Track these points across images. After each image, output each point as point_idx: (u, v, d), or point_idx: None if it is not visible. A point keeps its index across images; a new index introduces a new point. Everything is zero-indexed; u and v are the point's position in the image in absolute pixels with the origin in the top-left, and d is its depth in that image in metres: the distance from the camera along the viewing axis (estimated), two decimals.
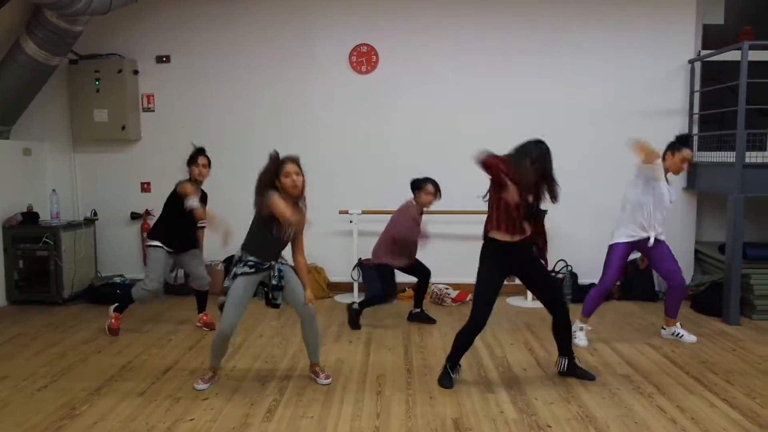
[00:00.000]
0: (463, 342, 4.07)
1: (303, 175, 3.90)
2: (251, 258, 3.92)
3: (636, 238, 4.84)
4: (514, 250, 3.94)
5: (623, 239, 4.85)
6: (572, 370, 4.18)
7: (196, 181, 5.06)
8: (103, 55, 6.73)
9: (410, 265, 5.47)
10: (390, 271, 5.37)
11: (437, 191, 5.31)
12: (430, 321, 5.58)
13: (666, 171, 4.89)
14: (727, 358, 4.62)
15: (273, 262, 3.97)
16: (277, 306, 4.04)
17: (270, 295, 4.03)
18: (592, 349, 4.81)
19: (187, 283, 5.75)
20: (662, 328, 5.14)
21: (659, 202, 4.79)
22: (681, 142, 4.92)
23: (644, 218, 4.80)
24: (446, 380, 4.08)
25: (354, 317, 5.43)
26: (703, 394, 3.91)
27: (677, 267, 4.91)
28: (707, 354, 4.70)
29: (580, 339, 4.92)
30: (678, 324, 5.05)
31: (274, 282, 3.97)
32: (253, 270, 3.92)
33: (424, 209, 5.40)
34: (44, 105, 6.84)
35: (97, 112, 6.70)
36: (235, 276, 3.92)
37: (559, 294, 4.17)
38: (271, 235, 3.88)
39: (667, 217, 4.91)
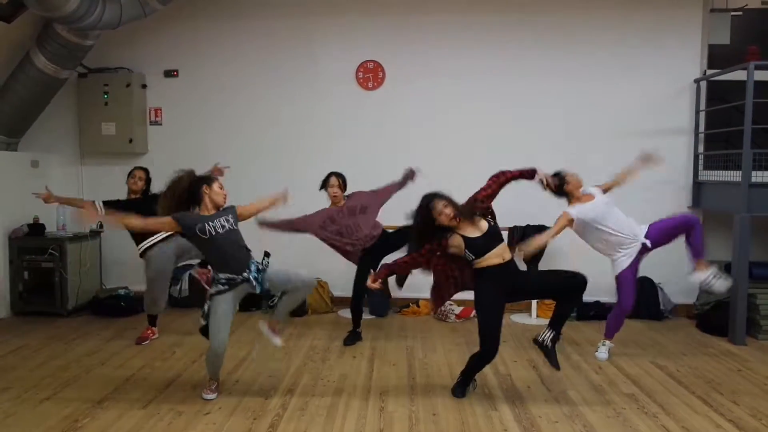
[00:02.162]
0: (474, 365, 4.09)
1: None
2: (222, 275, 3.98)
3: (633, 255, 4.82)
4: (509, 270, 3.96)
5: (624, 266, 4.83)
6: (546, 348, 4.08)
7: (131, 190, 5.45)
8: (112, 69, 6.80)
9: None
10: None
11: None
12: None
13: (574, 195, 4.82)
14: (733, 378, 4.58)
15: (245, 273, 3.98)
16: (274, 306, 4.22)
17: (267, 302, 4.10)
18: (597, 367, 4.78)
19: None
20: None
21: (608, 219, 4.76)
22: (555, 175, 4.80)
23: (620, 237, 4.79)
24: (459, 390, 4.13)
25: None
26: (709, 415, 3.88)
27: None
28: (713, 374, 4.66)
29: (601, 353, 4.98)
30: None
31: (257, 291, 4.01)
32: (226, 287, 3.97)
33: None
34: (53, 118, 6.90)
35: (104, 125, 6.75)
36: (211, 297, 3.98)
37: (568, 273, 3.96)
38: (210, 242, 3.94)
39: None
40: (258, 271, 4.03)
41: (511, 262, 3.97)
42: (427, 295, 6.41)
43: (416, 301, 6.55)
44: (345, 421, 3.74)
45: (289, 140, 6.79)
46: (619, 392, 4.25)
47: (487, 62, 6.60)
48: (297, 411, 3.89)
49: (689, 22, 6.43)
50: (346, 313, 6.39)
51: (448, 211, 3.86)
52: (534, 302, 6.26)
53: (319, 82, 6.75)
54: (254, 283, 3.99)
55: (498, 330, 3.94)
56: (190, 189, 4.02)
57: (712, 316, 5.83)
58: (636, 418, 3.81)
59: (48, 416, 3.79)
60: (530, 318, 6.27)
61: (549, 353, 4.11)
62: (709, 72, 6.45)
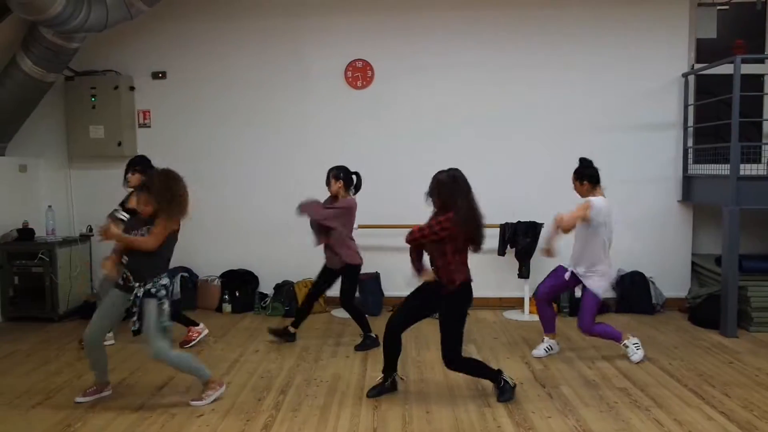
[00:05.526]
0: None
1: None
2: (125, 271, 3.96)
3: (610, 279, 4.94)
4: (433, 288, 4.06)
5: (601, 289, 4.83)
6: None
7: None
8: (100, 71, 6.76)
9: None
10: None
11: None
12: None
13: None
14: (725, 370, 4.61)
15: (137, 284, 3.88)
16: (136, 332, 3.90)
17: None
18: (590, 362, 4.79)
19: None
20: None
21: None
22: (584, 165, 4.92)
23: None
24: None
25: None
26: (701, 407, 3.90)
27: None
28: (705, 366, 4.68)
29: (634, 354, 4.76)
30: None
31: (132, 307, 3.91)
32: (122, 283, 3.96)
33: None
34: (40, 121, 6.85)
35: (93, 128, 6.71)
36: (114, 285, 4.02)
37: (447, 346, 4.07)
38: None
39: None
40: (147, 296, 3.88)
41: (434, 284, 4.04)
42: None
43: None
44: (338, 421, 3.74)
45: (278, 140, 6.76)
46: (611, 386, 4.26)
47: (476, 59, 6.59)
48: (290, 411, 3.88)
49: (677, 17, 6.46)
50: (339, 313, 6.38)
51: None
52: (526, 299, 6.26)
53: (308, 82, 6.74)
54: (133, 297, 3.89)
55: (398, 319, 4.22)
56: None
57: (704, 309, 5.85)
58: (629, 411, 3.83)
59: (41, 421, 3.77)
60: (522, 314, 6.27)
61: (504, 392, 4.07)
62: (697, 66, 6.48)
